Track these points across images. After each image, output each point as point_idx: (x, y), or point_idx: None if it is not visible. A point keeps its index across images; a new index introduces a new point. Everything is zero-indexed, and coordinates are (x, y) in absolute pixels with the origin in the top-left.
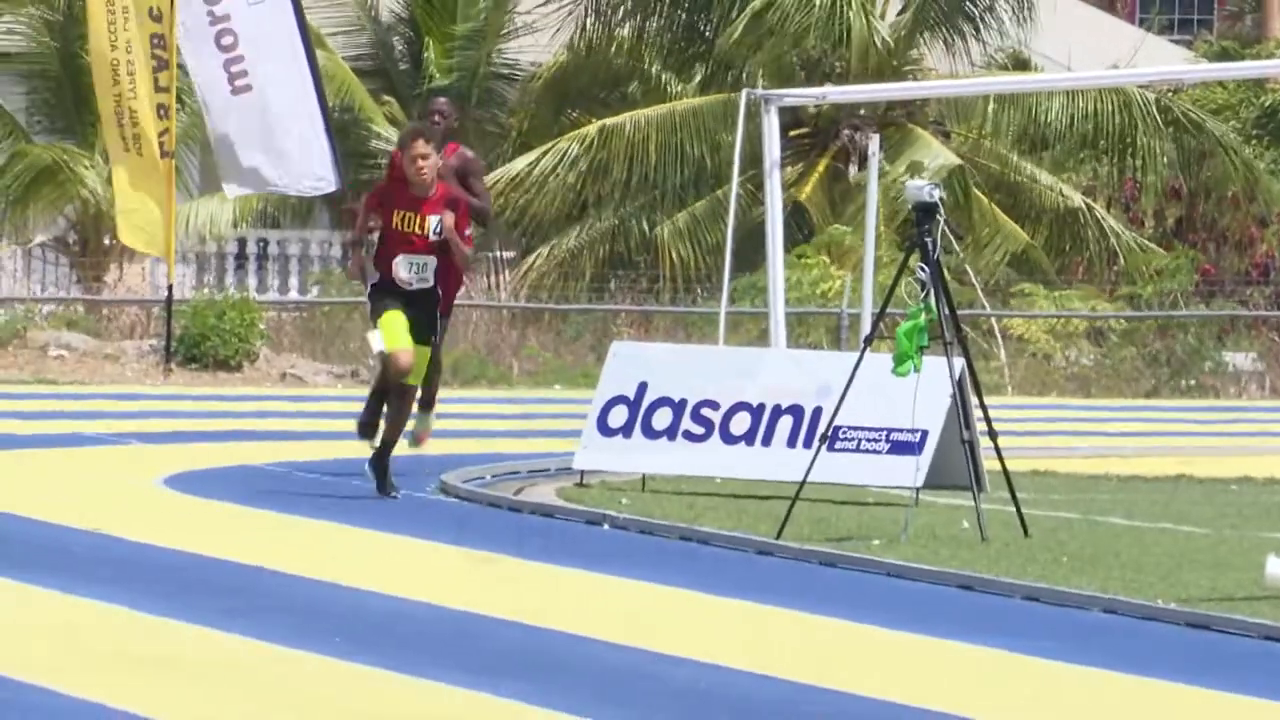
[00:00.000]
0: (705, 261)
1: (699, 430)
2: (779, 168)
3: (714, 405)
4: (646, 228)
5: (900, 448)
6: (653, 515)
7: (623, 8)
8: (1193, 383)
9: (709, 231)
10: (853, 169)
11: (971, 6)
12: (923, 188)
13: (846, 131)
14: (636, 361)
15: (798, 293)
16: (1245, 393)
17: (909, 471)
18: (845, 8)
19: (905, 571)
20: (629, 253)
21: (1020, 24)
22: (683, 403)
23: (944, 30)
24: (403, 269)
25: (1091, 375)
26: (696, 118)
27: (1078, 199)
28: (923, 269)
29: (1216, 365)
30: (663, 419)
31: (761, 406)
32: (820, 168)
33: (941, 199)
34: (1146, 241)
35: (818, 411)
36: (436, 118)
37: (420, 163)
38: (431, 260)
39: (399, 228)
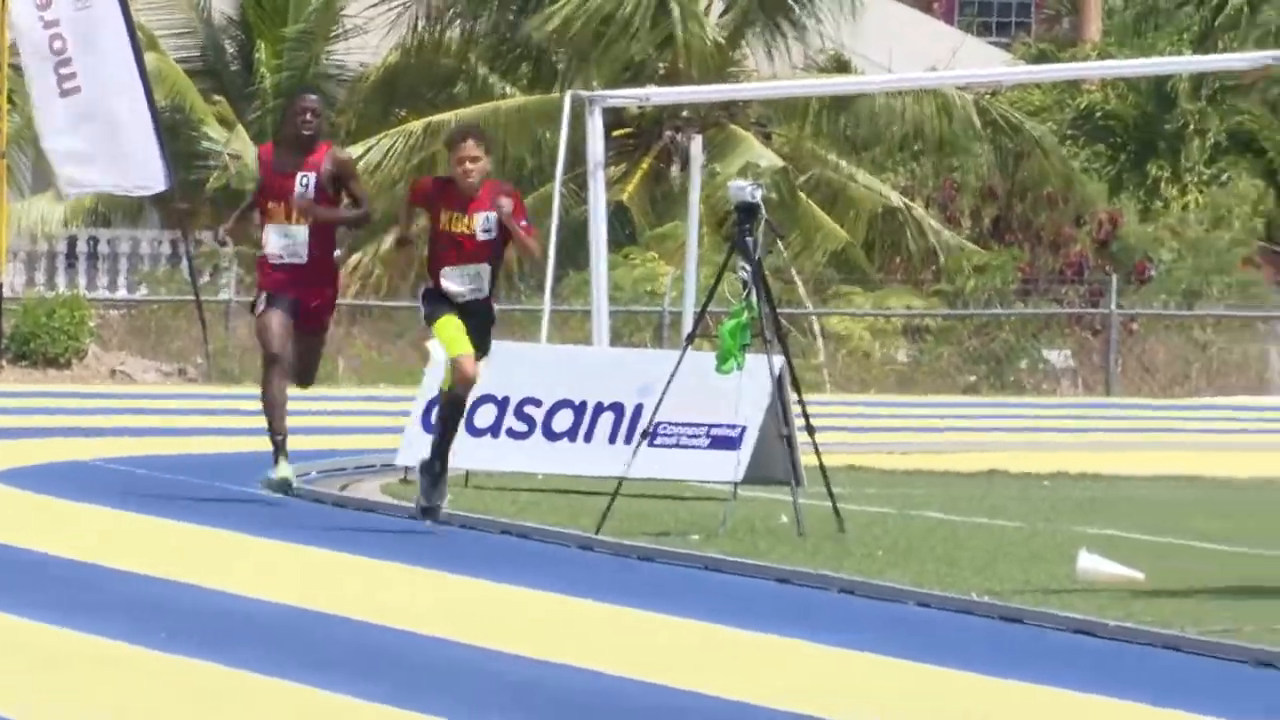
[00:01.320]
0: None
1: (522, 427)
2: (603, 168)
3: (536, 403)
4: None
5: (720, 443)
6: (475, 511)
7: (452, 9)
8: (1010, 379)
9: None
10: (675, 169)
11: (793, 8)
12: (744, 188)
13: (669, 132)
14: None
15: (627, 291)
16: (1059, 389)
17: (728, 466)
18: (669, 9)
19: (723, 565)
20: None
21: (840, 26)
22: (505, 400)
23: (766, 32)
24: (453, 282)
25: (910, 372)
26: (520, 117)
27: (897, 199)
28: (744, 268)
29: (1033, 362)
30: (486, 416)
31: (584, 404)
32: (643, 168)
33: (764, 199)
34: (964, 240)
35: (639, 408)
36: (308, 116)
37: (469, 165)
38: (484, 269)
39: (446, 228)
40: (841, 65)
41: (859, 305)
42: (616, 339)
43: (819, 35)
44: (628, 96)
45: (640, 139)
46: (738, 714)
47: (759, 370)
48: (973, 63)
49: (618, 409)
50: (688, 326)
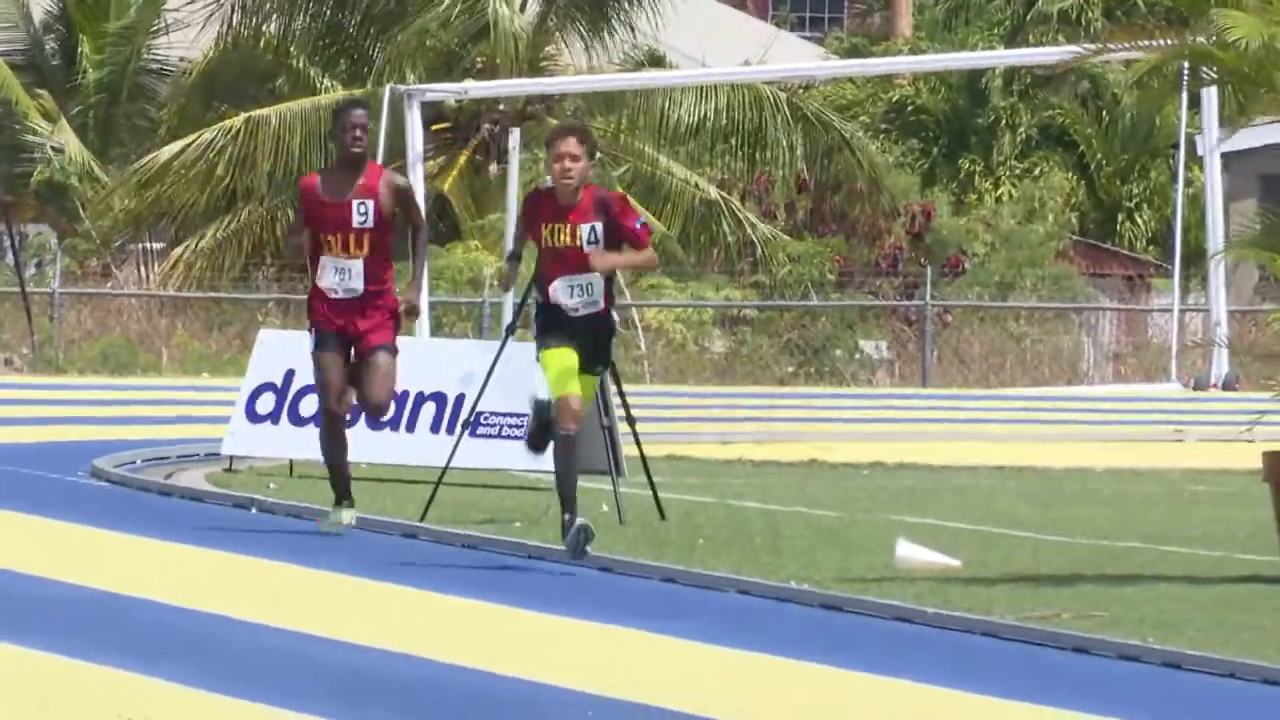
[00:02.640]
0: None
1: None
2: (422, 160)
3: None
4: (292, 218)
5: None
6: (300, 500)
7: (269, 4)
8: (827, 370)
9: None
10: (494, 163)
11: (607, 5)
12: None
13: (487, 126)
14: (283, 349)
15: (448, 282)
16: (876, 380)
17: (549, 456)
18: (486, 4)
19: (545, 553)
20: (276, 243)
21: (655, 22)
22: None
23: (581, 27)
24: (563, 294)
25: (728, 363)
26: None
27: (713, 192)
28: None
29: (850, 353)
30: (309, 406)
31: (405, 393)
32: (461, 161)
33: None
34: (779, 232)
35: (460, 398)
36: (358, 132)
37: (568, 164)
38: (597, 281)
39: (549, 242)
40: (656, 60)
41: (672, 297)
42: (438, 329)
43: (633, 30)
44: (446, 90)
45: (458, 132)
46: (555, 698)
47: None
48: (786, 58)
49: (439, 399)
50: (508, 317)
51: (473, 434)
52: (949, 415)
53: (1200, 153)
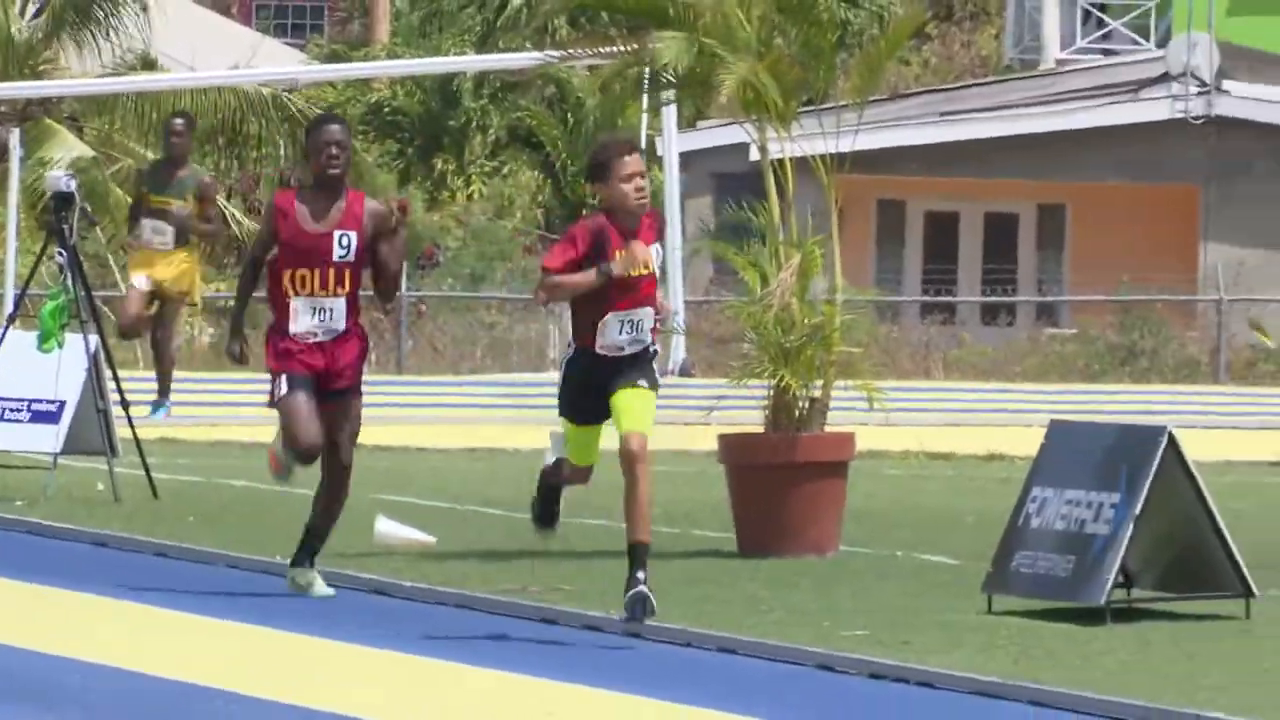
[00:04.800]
0: None
1: None
2: None
3: None
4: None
5: (41, 417)
6: None
7: None
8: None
9: None
10: None
11: (99, 11)
12: (60, 178)
13: None
14: None
15: None
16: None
17: (49, 438)
18: None
19: (45, 530)
20: None
21: (141, 28)
22: None
23: (75, 31)
24: (614, 331)
25: (212, 351)
26: None
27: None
28: (61, 254)
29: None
30: None
31: None
32: None
33: (77, 188)
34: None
35: None
36: (334, 150)
37: (639, 182)
38: (648, 314)
39: (621, 271)
40: (149, 64)
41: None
42: None
43: (123, 35)
44: None
45: None
46: (53, 670)
47: (77, 348)
48: (272, 62)
49: None
50: (8, 308)
51: None
52: (424, 400)
53: (660, 153)
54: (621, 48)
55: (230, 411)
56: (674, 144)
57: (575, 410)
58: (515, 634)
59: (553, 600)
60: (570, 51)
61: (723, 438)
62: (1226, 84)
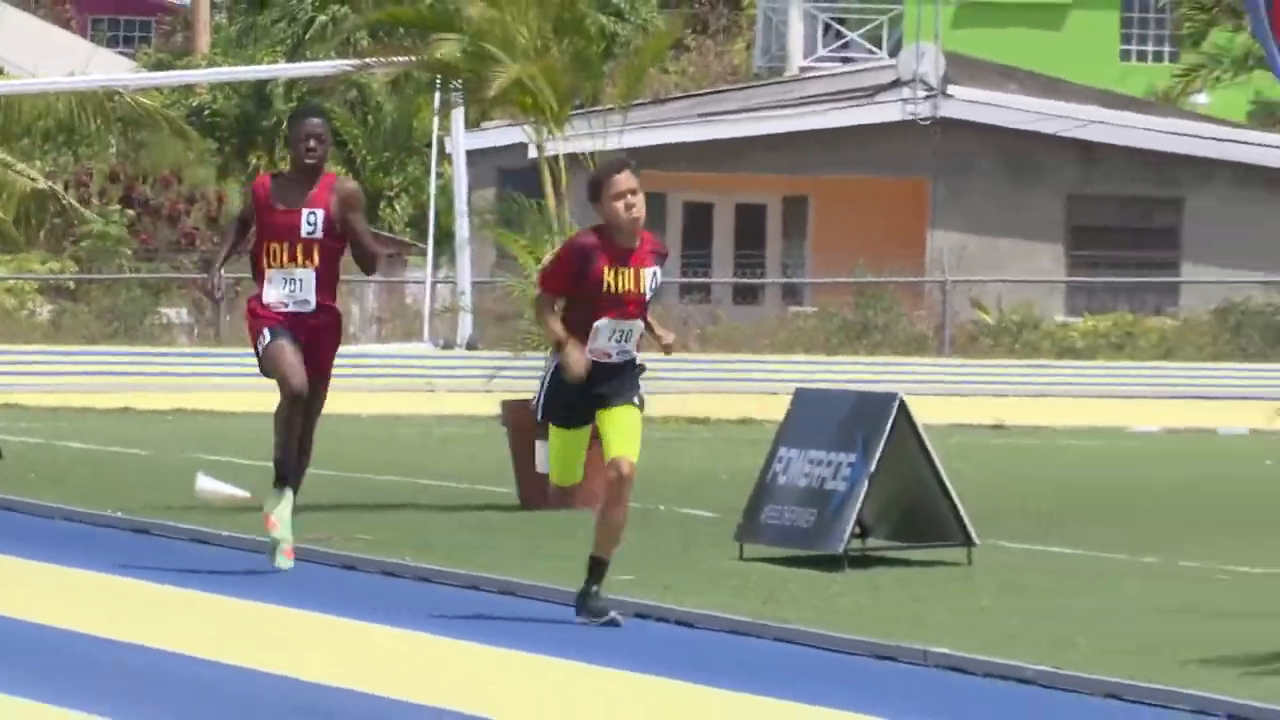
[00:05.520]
0: None
1: None
2: None
3: None
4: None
5: None
6: None
7: None
8: (139, 333)
9: None
10: None
11: None
12: None
13: None
14: None
15: None
16: (177, 341)
17: None
18: None
19: None
20: None
21: None
22: None
23: None
24: (604, 336)
25: (54, 330)
26: None
27: (42, 181)
28: None
29: (156, 318)
30: None
31: None
32: None
33: None
34: (96, 215)
35: None
36: (312, 143)
37: (630, 199)
38: (637, 326)
39: (610, 289)
40: None
41: (2, 270)
42: None
43: None
44: None
45: None
46: None
47: None
48: (104, 68)
49: None
50: None
51: None
52: (239, 370)
53: (449, 150)
54: (410, 57)
55: (70, 380)
56: (461, 142)
57: (562, 414)
58: (318, 578)
59: (354, 548)
60: (367, 61)
61: (505, 403)
62: (951, 89)
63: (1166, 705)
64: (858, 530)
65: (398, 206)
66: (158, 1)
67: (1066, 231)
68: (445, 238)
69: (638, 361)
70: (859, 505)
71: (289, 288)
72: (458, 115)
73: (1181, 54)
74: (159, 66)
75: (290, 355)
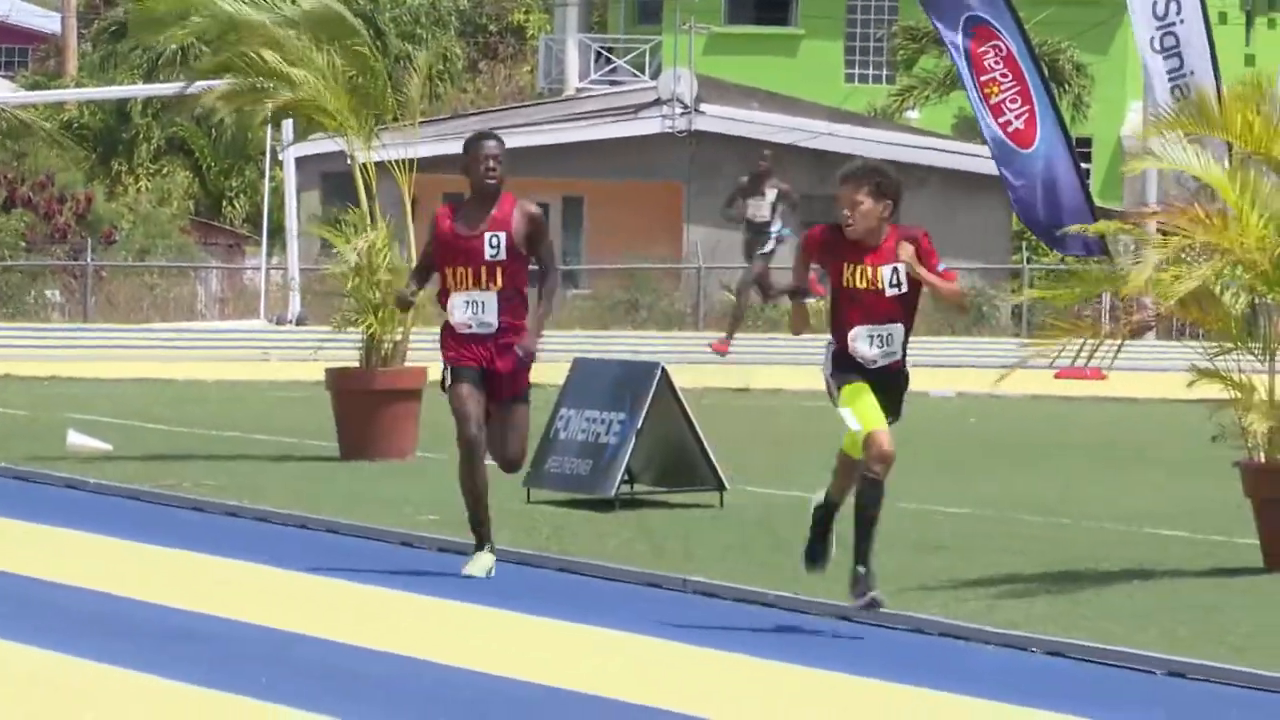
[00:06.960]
0: None
1: None
2: None
3: None
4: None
5: None
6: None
7: None
8: (17, 312)
9: None
10: None
11: None
12: None
13: None
14: None
15: None
16: (53, 317)
17: None
18: None
19: None
20: None
21: None
22: None
23: None
24: (862, 343)
25: None
26: None
27: None
28: None
29: (39, 297)
30: None
31: None
32: None
33: None
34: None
35: None
36: (492, 164)
37: (846, 212)
38: (898, 330)
39: (848, 283)
40: None
41: None
42: None
43: None
44: None
45: None
46: None
47: None
48: None
49: None
50: None
51: None
52: (105, 343)
53: (281, 157)
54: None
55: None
56: (291, 150)
57: (849, 375)
58: (170, 519)
59: (201, 492)
60: (208, 84)
61: (328, 370)
62: (703, 106)
63: (889, 626)
64: (627, 477)
65: (237, 205)
66: (33, 31)
67: (805, 226)
68: (277, 231)
69: (909, 376)
70: (628, 456)
71: (471, 310)
72: (288, 126)
73: (897, 77)
74: (35, 87)
75: (468, 402)
